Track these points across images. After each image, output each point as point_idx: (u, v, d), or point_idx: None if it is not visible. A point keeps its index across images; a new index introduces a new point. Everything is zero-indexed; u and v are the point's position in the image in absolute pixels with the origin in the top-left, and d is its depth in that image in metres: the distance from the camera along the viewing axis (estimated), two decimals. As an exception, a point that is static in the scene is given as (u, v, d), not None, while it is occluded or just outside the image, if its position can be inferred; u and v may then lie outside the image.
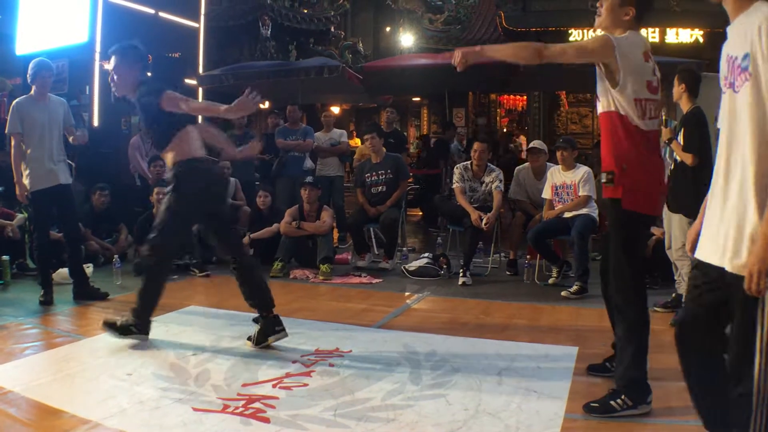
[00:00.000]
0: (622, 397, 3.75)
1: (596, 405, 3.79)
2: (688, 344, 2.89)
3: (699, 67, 8.80)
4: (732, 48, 2.61)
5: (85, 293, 6.89)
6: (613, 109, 3.73)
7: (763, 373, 2.50)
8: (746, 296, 2.46)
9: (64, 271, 7.13)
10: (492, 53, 3.85)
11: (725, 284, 2.61)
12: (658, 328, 5.24)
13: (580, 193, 7.46)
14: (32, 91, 6.65)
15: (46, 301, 6.57)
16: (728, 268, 2.56)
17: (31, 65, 6.65)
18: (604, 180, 3.81)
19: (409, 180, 12.20)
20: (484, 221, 7.60)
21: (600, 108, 3.85)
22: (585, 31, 17.59)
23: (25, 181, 6.59)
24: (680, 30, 17.37)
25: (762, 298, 2.45)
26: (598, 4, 3.82)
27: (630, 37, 3.70)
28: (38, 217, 6.90)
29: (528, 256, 8.08)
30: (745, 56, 2.50)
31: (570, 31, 17.81)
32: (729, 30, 2.67)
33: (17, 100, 6.70)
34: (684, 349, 2.92)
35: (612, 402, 3.76)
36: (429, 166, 13.66)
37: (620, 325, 3.91)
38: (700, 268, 2.79)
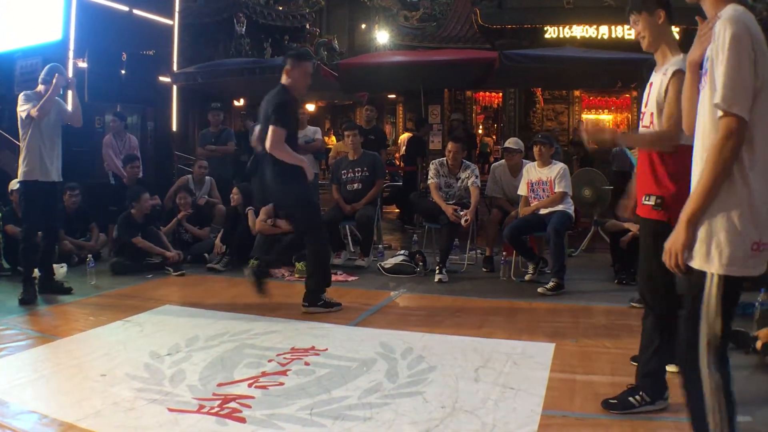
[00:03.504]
0: (641, 393, 3.80)
1: (615, 401, 3.84)
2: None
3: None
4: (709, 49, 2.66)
5: (50, 287, 6.98)
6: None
7: (709, 360, 2.59)
8: (693, 281, 2.63)
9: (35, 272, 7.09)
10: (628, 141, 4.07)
11: None
12: (636, 323, 5.27)
13: (556, 190, 7.46)
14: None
15: (27, 300, 6.51)
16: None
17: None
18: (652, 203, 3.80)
19: (386, 178, 12.19)
20: (463, 218, 7.59)
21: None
22: (560, 28, 17.65)
23: (21, 171, 6.72)
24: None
25: (710, 281, 2.57)
26: (636, 33, 3.91)
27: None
28: (28, 211, 6.89)
29: (504, 253, 8.09)
30: (707, 58, 2.62)
31: (545, 28, 17.86)
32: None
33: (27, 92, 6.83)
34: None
35: (630, 398, 3.80)
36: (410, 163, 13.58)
37: (648, 320, 3.92)
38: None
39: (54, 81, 6.69)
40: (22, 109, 6.63)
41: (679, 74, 3.65)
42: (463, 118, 20.42)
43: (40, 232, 7.06)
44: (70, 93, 7.30)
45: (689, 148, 3.60)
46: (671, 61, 3.80)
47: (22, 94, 6.77)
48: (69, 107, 7.17)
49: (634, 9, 3.88)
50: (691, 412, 2.70)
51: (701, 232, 2.63)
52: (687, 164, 3.54)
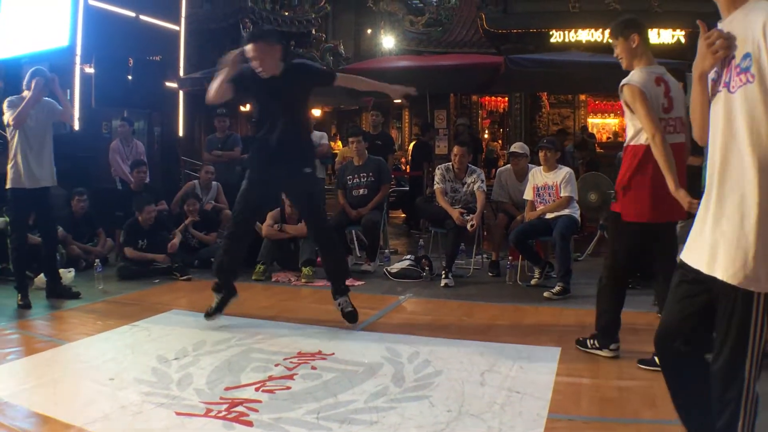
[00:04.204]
0: (593, 340, 4.95)
1: (581, 339, 5.05)
2: (671, 351, 2.84)
3: (682, 68, 8.89)
4: None
5: (58, 292, 7.02)
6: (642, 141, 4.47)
7: (753, 376, 2.52)
8: (736, 302, 2.49)
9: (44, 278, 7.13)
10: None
11: (712, 291, 2.59)
12: (642, 327, 5.28)
13: (562, 194, 7.47)
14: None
15: (25, 305, 6.55)
16: (721, 277, 2.50)
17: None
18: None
19: (392, 183, 12.19)
20: (469, 223, 7.60)
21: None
22: (565, 32, 17.66)
23: (9, 177, 6.66)
24: (662, 30, 17.42)
25: (757, 301, 2.46)
26: (615, 55, 4.66)
27: (640, 73, 4.46)
28: (16, 219, 6.89)
29: (510, 258, 8.09)
30: (745, 56, 2.42)
31: (551, 33, 17.86)
32: (721, 27, 2.58)
33: (11, 98, 6.74)
34: (664, 353, 2.89)
35: (588, 340, 4.98)
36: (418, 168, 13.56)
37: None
38: (686, 271, 2.71)
39: (33, 86, 6.60)
40: (5, 116, 6.60)
41: (623, 87, 4.43)
42: (469, 123, 20.43)
43: (40, 238, 7.10)
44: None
45: (634, 147, 4.53)
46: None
47: (6, 100, 6.69)
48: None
49: (612, 35, 4.65)
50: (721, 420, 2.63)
51: (758, 252, 2.46)
52: (633, 163, 4.53)
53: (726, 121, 2.53)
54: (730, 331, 2.54)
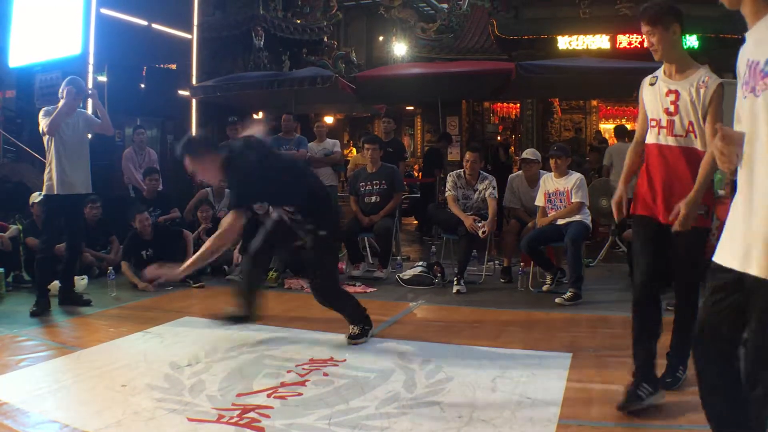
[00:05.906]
0: (644, 385, 3.89)
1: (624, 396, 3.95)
2: (705, 351, 2.84)
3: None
4: (753, 53, 2.55)
5: (70, 299, 7.07)
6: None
7: None
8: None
9: (58, 284, 7.16)
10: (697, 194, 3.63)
11: (744, 289, 2.60)
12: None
13: (573, 200, 7.46)
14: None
15: (39, 312, 6.57)
16: (756, 273, 2.50)
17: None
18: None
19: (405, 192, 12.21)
20: (482, 230, 7.60)
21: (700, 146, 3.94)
22: (576, 37, 17.64)
23: (45, 184, 6.82)
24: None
25: None
26: (648, 45, 3.99)
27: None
28: (48, 224, 7.05)
29: (522, 264, 8.09)
30: None
31: (562, 38, 17.84)
32: (748, 35, 2.61)
33: (47, 107, 6.85)
34: (700, 355, 2.87)
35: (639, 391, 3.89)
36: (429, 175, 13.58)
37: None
38: (719, 272, 2.73)
39: (65, 94, 6.72)
40: (41, 124, 6.73)
41: (718, 85, 3.85)
42: (498, 131, 20.43)
43: (63, 245, 7.13)
44: (90, 102, 7.31)
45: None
46: (707, 73, 3.92)
47: (42, 109, 6.84)
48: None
49: (649, 22, 3.93)
50: None
51: None
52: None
53: (751, 124, 2.56)
54: (760, 329, 2.54)
